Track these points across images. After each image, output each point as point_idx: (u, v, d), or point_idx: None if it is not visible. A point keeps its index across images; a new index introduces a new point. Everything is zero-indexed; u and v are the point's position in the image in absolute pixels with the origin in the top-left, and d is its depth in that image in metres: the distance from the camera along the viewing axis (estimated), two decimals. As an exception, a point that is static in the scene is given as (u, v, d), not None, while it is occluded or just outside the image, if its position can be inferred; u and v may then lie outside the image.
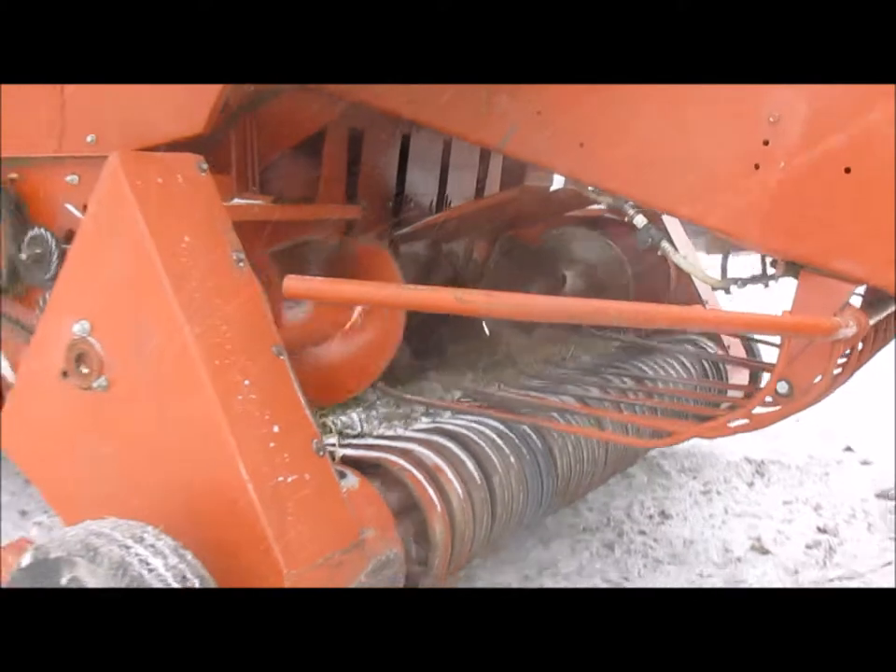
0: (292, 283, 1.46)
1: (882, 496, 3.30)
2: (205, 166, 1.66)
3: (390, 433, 1.95)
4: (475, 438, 1.96)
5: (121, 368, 1.53)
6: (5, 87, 2.02)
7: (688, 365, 2.75)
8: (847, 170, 1.64)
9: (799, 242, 1.72)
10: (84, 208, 1.83)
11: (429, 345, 2.71)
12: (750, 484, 3.35)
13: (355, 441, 1.88)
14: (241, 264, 1.61)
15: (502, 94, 1.93)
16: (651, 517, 2.98)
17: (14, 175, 1.88)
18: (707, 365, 2.86)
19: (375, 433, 1.95)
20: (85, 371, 1.56)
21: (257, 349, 1.54)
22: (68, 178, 1.81)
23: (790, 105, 1.67)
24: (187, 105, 2.02)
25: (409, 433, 1.94)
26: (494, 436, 2.01)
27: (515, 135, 1.95)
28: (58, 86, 2.16)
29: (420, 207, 2.64)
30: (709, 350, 2.96)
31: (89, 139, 2.14)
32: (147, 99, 2.10)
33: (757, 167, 1.71)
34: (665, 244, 1.84)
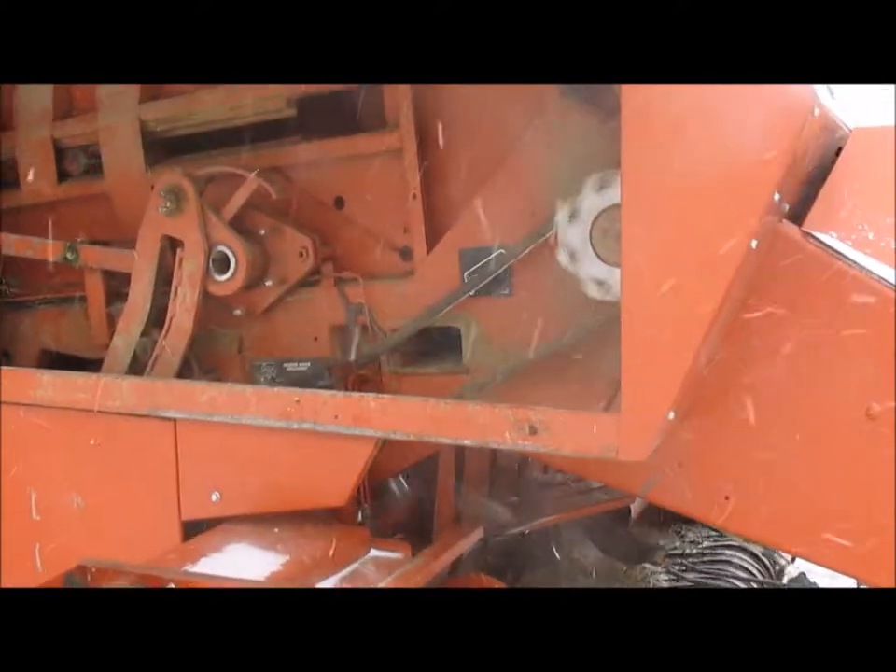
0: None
1: None
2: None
3: None
4: None
5: None
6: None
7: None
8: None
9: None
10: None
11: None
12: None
13: None
14: None
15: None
16: None
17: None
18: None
19: None
20: None
21: None
22: None
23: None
24: (330, 479, 2.02)
25: None
26: None
27: (657, 484, 1.99)
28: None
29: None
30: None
31: (213, 497, 2.11)
32: (272, 463, 2.09)
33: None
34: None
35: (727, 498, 1.93)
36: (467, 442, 1.83)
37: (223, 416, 2.05)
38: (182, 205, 2.21)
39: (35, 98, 2.61)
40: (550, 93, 2.00)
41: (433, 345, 2.25)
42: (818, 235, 1.80)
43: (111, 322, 2.52)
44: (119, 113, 2.47)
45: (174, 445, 2.16)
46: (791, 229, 1.80)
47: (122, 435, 2.22)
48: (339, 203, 2.32)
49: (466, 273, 2.12)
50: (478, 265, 2.10)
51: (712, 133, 1.53)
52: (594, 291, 1.87)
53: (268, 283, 2.28)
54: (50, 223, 2.63)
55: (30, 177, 2.61)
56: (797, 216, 1.84)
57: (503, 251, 2.07)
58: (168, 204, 2.20)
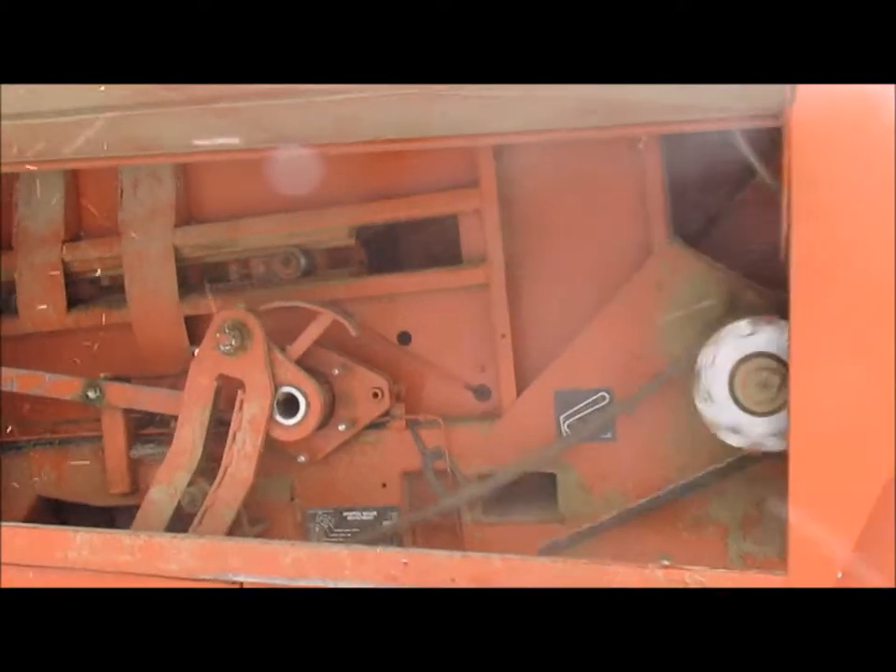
0: None
1: None
2: None
3: None
4: None
5: None
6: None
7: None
8: None
9: None
10: None
11: None
12: None
13: None
14: None
15: None
16: None
17: None
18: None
19: None
20: None
21: None
22: None
23: None
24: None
25: None
26: None
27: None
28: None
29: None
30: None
31: None
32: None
33: None
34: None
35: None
36: (612, 607, 1.70)
37: (311, 581, 1.84)
38: (246, 343, 2.02)
39: (40, 218, 2.36)
40: (657, 236, 1.97)
41: (516, 491, 2.12)
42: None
43: (132, 467, 2.26)
44: (149, 237, 2.26)
45: (239, 612, 1.92)
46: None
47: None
48: (403, 338, 2.19)
49: (562, 417, 2.02)
50: (577, 408, 2.01)
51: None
52: (731, 439, 1.80)
53: (341, 427, 2.10)
54: (53, 355, 2.38)
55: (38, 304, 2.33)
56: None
57: (605, 393, 2.00)
58: (233, 342, 2.00)
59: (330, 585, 1.83)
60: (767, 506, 1.94)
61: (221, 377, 2.06)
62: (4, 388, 2.26)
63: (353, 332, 2.05)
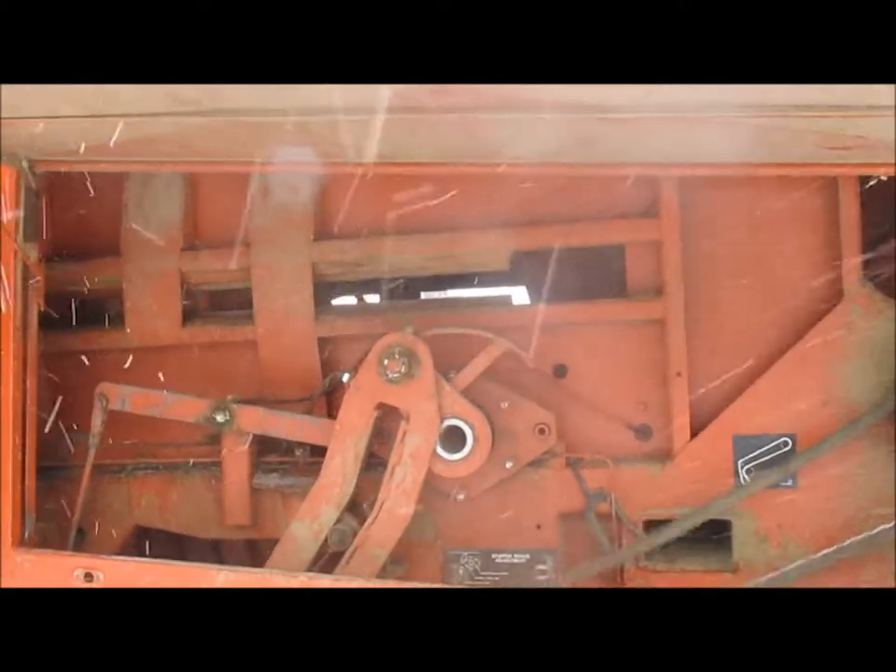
0: None
1: None
2: None
3: None
4: None
5: None
6: None
7: None
8: None
9: None
10: None
11: None
12: None
13: None
14: None
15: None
16: None
17: None
18: None
19: None
20: None
21: None
22: None
23: None
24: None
25: None
26: None
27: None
28: None
29: None
30: None
31: None
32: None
33: None
34: None
35: None
36: None
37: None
38: (414, 371, 1.88)
39: (154, 222, 2.17)
40: (850, 278, 1.90)
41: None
42: None
43: (255, 497, 2.08)
44: (283, 251, 2.10)
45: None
46: None
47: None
48: (559, 371, 2.07)
49: (741, 462, 1.94)
50: (757, 453, 1.93)
51: None
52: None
53: (508, 464, 1.97)
54: (159, 372, 2.19)
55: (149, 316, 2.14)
56: None
57: (787, 439, 1.92)
58: (402, 369, 1.86)
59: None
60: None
61: (381, 406, 1.91)
62: (113, 407, 2.06)
63: (530, 364, 1.93)
